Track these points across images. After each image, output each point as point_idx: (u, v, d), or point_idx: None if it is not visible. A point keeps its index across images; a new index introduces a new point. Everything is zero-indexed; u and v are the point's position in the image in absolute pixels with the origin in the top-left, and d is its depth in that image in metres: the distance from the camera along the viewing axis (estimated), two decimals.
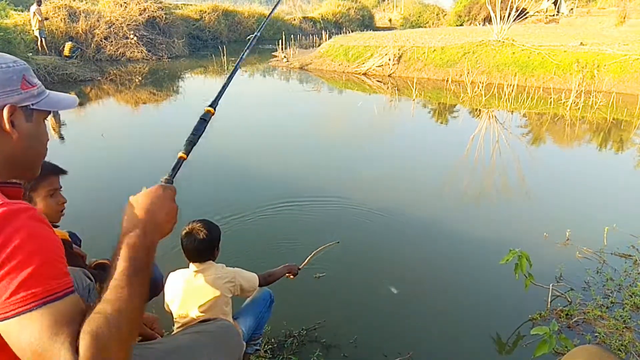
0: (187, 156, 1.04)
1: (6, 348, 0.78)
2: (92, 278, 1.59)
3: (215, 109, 1.12)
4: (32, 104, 0.90)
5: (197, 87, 12.46)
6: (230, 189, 4.94)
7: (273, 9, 1.32)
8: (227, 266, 2.02)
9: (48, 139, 0.99)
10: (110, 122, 8.41)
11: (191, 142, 1.07)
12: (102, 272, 1.72)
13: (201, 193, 4.66)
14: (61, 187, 1.72)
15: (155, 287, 2.03)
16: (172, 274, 2.00)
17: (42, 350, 0.68)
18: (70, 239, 1.80)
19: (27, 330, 0.69)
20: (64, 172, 1.72)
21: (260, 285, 2.13)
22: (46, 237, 0.76)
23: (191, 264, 1.93)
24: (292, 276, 2.34)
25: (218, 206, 4.28)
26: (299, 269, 2.39)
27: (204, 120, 1.11)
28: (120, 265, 0.79)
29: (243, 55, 1.37)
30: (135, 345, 1.59)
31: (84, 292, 1.55)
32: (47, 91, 0.97)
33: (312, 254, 2.56)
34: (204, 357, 1.58)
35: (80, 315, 0.73)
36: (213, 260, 1.95)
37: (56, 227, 1.79)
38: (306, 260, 2.50)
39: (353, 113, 9.24)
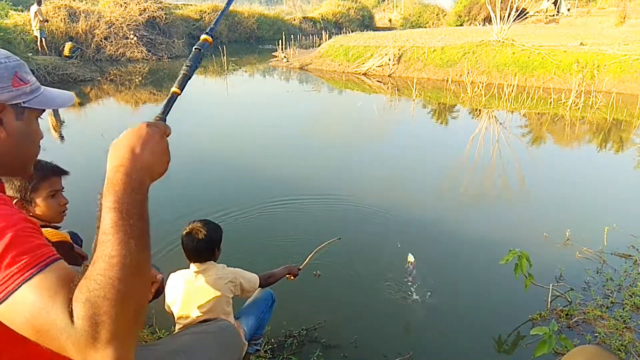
0: (181, 91, 0.93)
1: (6, 351, 0.78)
2: None
3: (212, 37, 1.00)
4: (24, 102, 0.88)
5: (197, 87, 12.46)
6: (230, 188, 4.94)
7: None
8: (228, 266, 2.02)
9: (42, 137, 0.97)
10: (110, 122, 8.41)
11: (185, 76, 0.94)
12: None
13: (202, 192, 4.66)
14: (63, 188, 1.72)
15: (156, 289, 2.03)
16: (172, 275, 2.00)
17: (40, 325, 0.65)
18: (71, 240, 1.80)
19: (19, 310, 0.66)
20: (65, 172, 1.72)
21: (260, 286, 2.14)
22: (13, 215, 0.74)
23: (192, 265, 1.94)
24: (292, 277, 2.35)
25: (218, 205, 4.28)
26: (299, 269, 2.39)
27: (199, 50, 0.96)
28: (104, 218, 0.69)
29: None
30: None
31: None
32: (43, 88, 0.94)
33: (313, 252, 2.56)
34: (205, 358, 1.58)
35: (70, 281, 0.69)
36: (214, 261, 1.95)
37: (57, 227, 1.80)
38: (307, 260, 2.50)
39: (353, 113, 9.24)
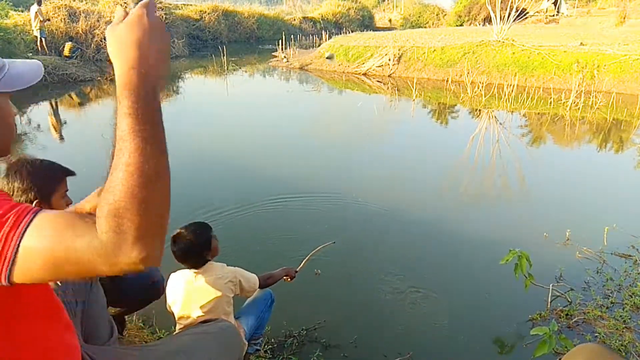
0: None
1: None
2: None
3: None
4: None
5: (197, 87, 12.46)
6: (229, 187, 4.94)
7: None
8: (227, 264, 2.03)
9: (15, 114, 0.93)
10: (110, 122, 8.40)
11: None
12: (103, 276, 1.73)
13: (202, 191, 4.66)
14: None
15: (157, 290, 2.03)
16: (173, 275, 2.00)
17: (60, 258, 0.64)
18: None
19: (33, 260, 0.65)
20: (73, 173, 1.74)
21: (259, 287, 2.14)
22: None
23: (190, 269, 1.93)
24: (289, 279, 2.36)
25: (217, 203, 4.28)
26: (296, 272, 2.40)
27: None
28: (120, 124, 0.68)
29: None
30: (136, 348, 1.59)
31: (86, 287, 1.57)
32: (7, 65, 0.89)
33: (309, 256, 2.57)
34: (205, 358, 1.58)
35: (66, 213, 0.68)
36: (210, 261, 1.95)
37: None
38: (302, 263, 2.52)
39: (353, 113, 9.24)
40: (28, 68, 0.93)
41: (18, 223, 0.66)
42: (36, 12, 12.16)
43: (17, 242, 0.65)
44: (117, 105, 0.70)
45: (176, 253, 1.87)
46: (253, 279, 2.07)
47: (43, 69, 0.98)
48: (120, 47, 0.70)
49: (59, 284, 1.49)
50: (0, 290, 0.75)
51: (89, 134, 7.38)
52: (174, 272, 2.01)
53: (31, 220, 0.67)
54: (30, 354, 0.85)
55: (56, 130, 7.54)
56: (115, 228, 0.63)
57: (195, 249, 1.87)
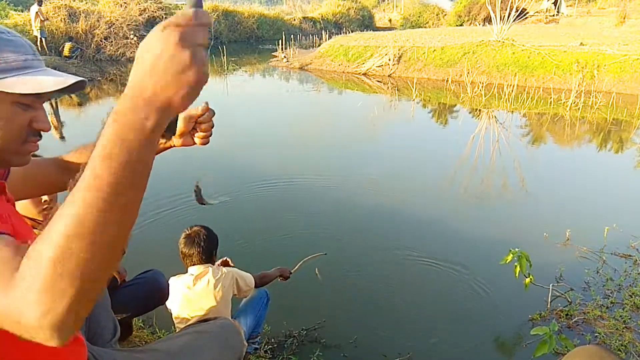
0: None
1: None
2: None
3: None
4: None
5: None
6: (225, 185, 4.94)
7: None
8: (224, 255, 2.05)
9: (22, 124, 0.80)
10: None
11: None
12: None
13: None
14: None
15: (162, 296, 1.99)
16: (172, 279, 2.00)
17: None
18: None
19: None
20: None
21: (255, 286, 2.15)
22: None
23: (189, 269, 1.93)
24: (283, 279, 2.36)
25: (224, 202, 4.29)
26: (290, 273, 2.41)
27: None
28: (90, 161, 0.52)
29: None
30: (138, 349, 1.59)
31: None
32: (28, 70, 0.76)
33: (302, 262, 2.59)
34: (209, 357, 1.58)
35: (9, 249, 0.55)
36: (212, 264, 1.96)
37: None
38: (297, 267, 2.54)
39: (353, 113, 9.24)
40: (50, 79, 0.78)
41: None
42: (36, 12, 12.16)
43: None
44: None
45: (191, 248, 1.89)
46: (249, 278, 2.07)
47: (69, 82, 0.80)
48: (138, 66, 0.54)
49: None
50: None
51: (89, 134, 7.37)
52: (174, 275, 2.01)
53: None
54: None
55: (57, 130, 7.54)
56: (27, 272, 0.49)
57: (209, 245, 1.91)
